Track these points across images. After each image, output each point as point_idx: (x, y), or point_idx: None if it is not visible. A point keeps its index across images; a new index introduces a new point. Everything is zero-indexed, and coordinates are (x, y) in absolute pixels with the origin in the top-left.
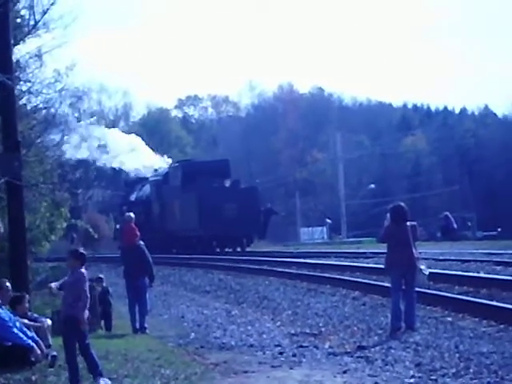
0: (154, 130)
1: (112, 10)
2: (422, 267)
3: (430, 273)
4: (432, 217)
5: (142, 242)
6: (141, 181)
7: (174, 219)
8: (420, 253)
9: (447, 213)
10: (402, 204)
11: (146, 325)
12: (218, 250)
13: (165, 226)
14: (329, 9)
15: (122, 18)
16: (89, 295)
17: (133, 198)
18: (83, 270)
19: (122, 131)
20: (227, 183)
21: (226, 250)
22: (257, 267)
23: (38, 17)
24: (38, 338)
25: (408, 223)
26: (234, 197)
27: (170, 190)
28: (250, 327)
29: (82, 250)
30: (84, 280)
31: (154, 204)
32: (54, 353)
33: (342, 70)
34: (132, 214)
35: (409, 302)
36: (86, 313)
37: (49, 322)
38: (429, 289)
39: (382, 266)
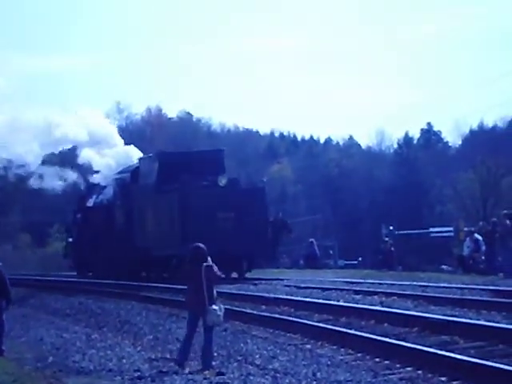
0: None
1: None
2: (215, 308)
3: (225, 313)
4: (296, 244)
5: None
6: (104, 181)
7: (146, 232)
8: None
9: (312, 239)
10: (201, 245)
11: (3, 347)
12: None
13: (132, 241)
14: (196, 33)
15: None
16: None
17: (90, 203)
18: None
19: None
20: (222, 181)
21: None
22: (119, 291)
23: None
24: None
25: (204, 264)
26: (232, 201)
27: (141, 191)
28: (109, 351)
29: None
30: None
31: (117, 211)
32: None
33: (210, 96)
34: None
35: (205, 342)
36: None
37: None
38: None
39: (250, 293)
